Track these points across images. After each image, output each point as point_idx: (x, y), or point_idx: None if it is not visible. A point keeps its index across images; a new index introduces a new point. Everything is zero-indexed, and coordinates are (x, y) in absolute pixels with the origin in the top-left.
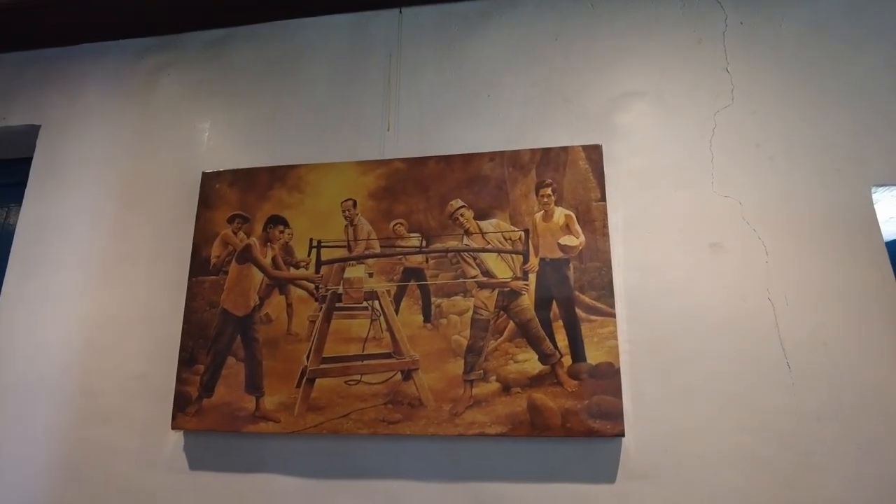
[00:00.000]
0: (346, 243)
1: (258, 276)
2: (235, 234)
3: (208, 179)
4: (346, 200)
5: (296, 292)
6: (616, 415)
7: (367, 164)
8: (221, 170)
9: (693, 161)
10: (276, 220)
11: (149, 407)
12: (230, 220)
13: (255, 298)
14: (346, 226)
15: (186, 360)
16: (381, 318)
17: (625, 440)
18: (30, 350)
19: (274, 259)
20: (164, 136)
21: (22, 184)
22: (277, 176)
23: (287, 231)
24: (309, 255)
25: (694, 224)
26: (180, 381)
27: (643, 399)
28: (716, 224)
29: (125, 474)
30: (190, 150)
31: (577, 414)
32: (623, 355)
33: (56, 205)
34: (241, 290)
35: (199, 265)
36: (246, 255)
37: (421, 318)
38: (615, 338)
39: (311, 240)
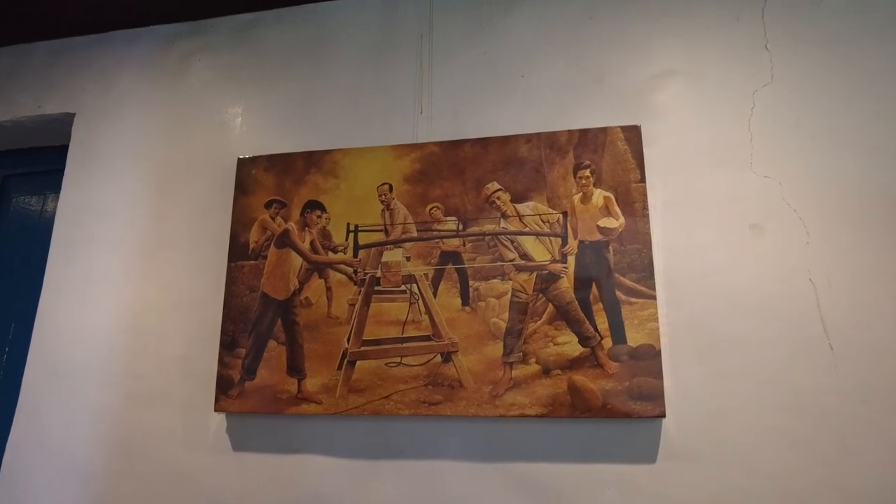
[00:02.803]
0: (382, 227)
1: (297, 260)
2: (273, 219)
3: (244, 165)
4: (381, 185)
5: (335, 276)
6: (656, 396)
7: (402, 147)
8: (257, 155)
9: (732, 141)
10: (314, 205)
11: (191, 389)
12: (267, 206)
13: (295, 282)
14: (382, 210)
15: (228, 343)
16: (420, 301)
17: (665, 421)
18: (74, 335)
19: (312, 243)
20: (197, 122)
21: (59, 171)
22: (313, 161)
23: (324, 216)
24: (347, 239)
25: (733, 205)
26: (222, 364)
27: (683, 381)
28: (756, 205)
29: (171, 455)
30: (223, 135)
31: (618, 395)
32: (663, 337)
33: (94, 191)
34: (280, 274)
35: (238, 250)
36: (284, 240)
37: (459, 301)
38: (655, 320)
39: (348, 224)
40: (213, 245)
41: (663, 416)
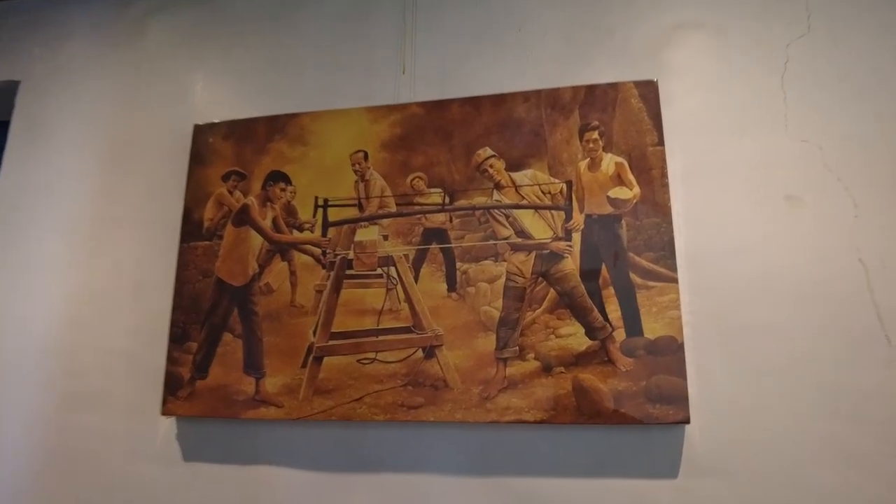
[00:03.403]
0: (356, 201)
1: (257, 240)
2: (231, 193)
3: (201, 133)
4: (355, 152)
5: (300, 258)
6: (679, 398)
7: (379, 109)
8: (215, 121)
9: (762, 100)
10: (277, 177)
11: (137, 390)
12: (225, 178)
13: (254, 266)
14: (356, 181)
15: (177, 336)
16: (398, 286)
17: (689, 428)
18: (8, 326)
19: (275, 221)
20: (155, 89)
21: None
22: (277, 126)
23: (289, 189)
24: (314, 215)
25: (766, 173)
26: (171, 360)
27: (711, 379)
28: (792, 173)
29: (112, 465)
30: (183, 102)
31: (633, 397)
32: (686, 328)
33: (37, 168)
34: (237, 256)
35: (191, 229)
36: (243, 217)
37: (444, 286)
38: (677, 307)
39: (316, 198)
40: (166, 224)
41: (687, 421)
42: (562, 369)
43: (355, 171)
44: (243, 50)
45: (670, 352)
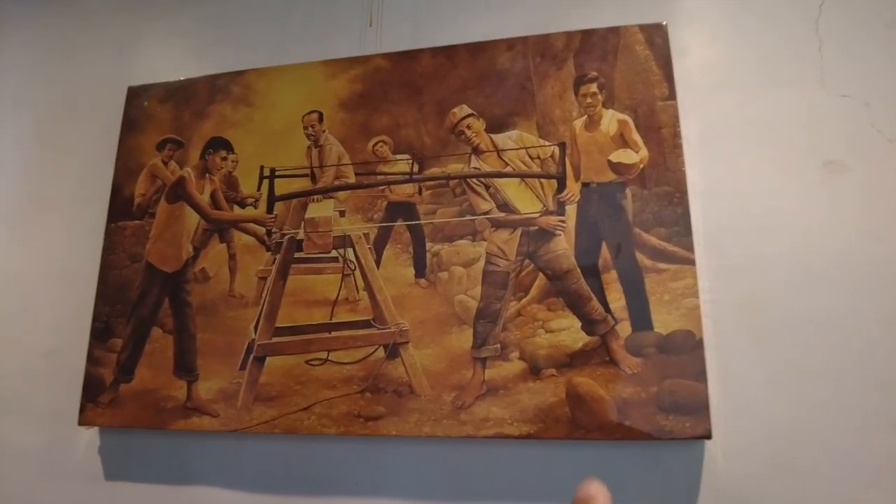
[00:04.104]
0: (308, 171)
1: (193, 218)
2: (166, 163)
3: (135, 96)
4: (308, 113)
5: (240, 239)
6: (698, 407)
7: (338, 63)
8: (151, 83)
9: (793, 49)
10: (217, 144)
11: (57, 395)
12: (160, 147)
13: (189, 249)
14: (308, 147)
15: (100, 331)
16: (356, 272)
17: (710, 445)
18: None
19: (213, 195)
20: (90, 51)
21: None
22: (219, 86)
23: (231, 157)
24: (259, 188)
25: (799, 135)
26: (92, 360)
27: (737, 384)
28: (831, 134)
29: (24, 482)
30: (121, 65)
31: (641, 406)
32: (706, 320)
33: None
34: (170, 237)
35: (120, 207)
36: (178, 192)
37: (412, 271)
38: (695, 294)
39: (261, 168)
40: (98, 203)
41: (708, 436)
42: (553, 372)
43: (308, 136)
44: (189, 4)
45: (687, 349)
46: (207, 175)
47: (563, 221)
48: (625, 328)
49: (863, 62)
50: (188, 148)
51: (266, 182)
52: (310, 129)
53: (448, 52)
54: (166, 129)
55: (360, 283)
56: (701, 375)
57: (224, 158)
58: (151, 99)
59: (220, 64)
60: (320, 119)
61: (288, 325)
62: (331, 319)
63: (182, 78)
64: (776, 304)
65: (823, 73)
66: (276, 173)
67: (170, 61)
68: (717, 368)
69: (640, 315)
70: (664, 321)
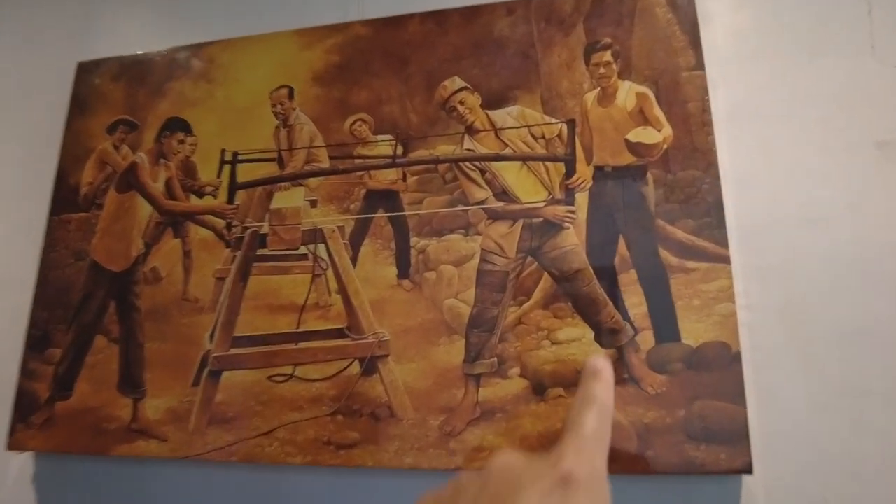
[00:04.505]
0: (275, 155)
1: (145, 210)
2: (117, 148)
3: (85, 72)
4: (277, 89)
5: (197, 233)
6: (735, 435)
7: (313, 32)
8: (103, 57)
9: (838, 12)
10: (175, 125)
11: None
12: (111, 130)
13: (140, 245)
14: (276, 128)
15: (37, 340)
16: (329, 272)
17: (750, 480)
18: None
19: (169, 183)
20: (41, 25)
21: None
22: (179, 61)
23: (189, 140)
24: (219, 175)
25: (848, 111)
26: (26, 373)
27: (782, 407)
28: (885, 110)
29: None
30: (76, 40)
31: (667, 433)
32: (744, 330)
33: None
34: (119, 231)
35: (65, 197)
36: (129, 180)
37: (394, 271)
38: (730, 299)
39: (222, 152)
40: (40, 194)
41: (748, 470)
42: (560, 391)
43: (276, 115)
44: None
45: (722, 365)
46: (163, 160)
47: (572, 212)
48: (647, 339)
49: None
50: (142, 130)
51: (227, 168)
52: (278, 106)
53: (439, 18)
54: (119, 110)
55: (333, 284)
56: (738, 397)
57: (181, 141)
58: (103, 76)
59: (184, 36)
60: (290, 95)
61: (248, 333)
62: (298, 328)
63: (138, 52)
64: (826, 311)
65: (874, 38)
66: (239, 157)
67: (127, 34)
68: (757, 388)
69: (665, 324)
70: (694, 331)
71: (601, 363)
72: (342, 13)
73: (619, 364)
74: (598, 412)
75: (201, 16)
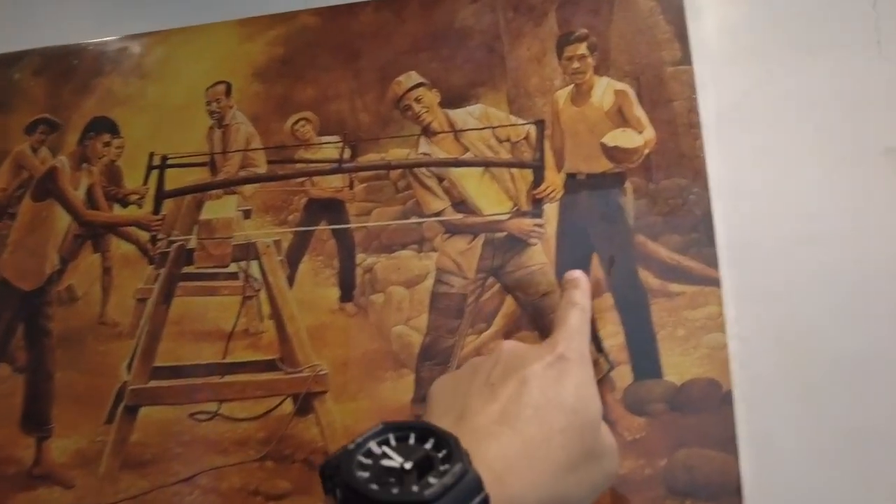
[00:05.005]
0: (207, 159)
1: (63, 221)
2: (36, 151)
3: (4, 65)
4: (213, 85)
5: (118, 248)
6: (725, 488)
7: (256, 21)
8: (25, 49)
9: (839, 9)
10: (101, 126)
11: None
12: (30, 130)
13: (55, 260)
14: (210, 128)
15: None
16: (262, 293)
17: None
18: None
19: (91, 191)
20: None
21: None
22: (109, 55)
23: (115, 142)
24: (146, 181)
25: (852, 114)
26: None
27: (778, 455)
28: (893, 114)
29: None
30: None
31: (646, 487)
32: (736, 364)
33: None
34: (33, 245)
35: None
36: (48, 186)
37: (335, 292)
38: (720, 328)
39: (151, 155)
40: None
41: None
42: None
43: (211, 114)
44: None
45: (710, 406)
46: (85, 165)
47: (539, 226)
48: (623, 375)
49: None
50: (65, 131)
51: (155, 173)
52: (214, 104)
53: (395, 6)
54: (40, 108)
55: (266, 308)
56: (729, 443)
57: (107, 144)
58: (24, 70)
59: (117, 26)
60: (228, 92)
61: (169, 364)
62: (224, 358)
63: (65, 44)
64: (831, 342)
65: (880, 34)
66: (168, 162)
67: (52, 24)
68: (751, 433)
69: (645, 357)
70: (678, 365)
71: (578, 273)
72: (291, 1)
73: None
74: (580, 312)
75: (138, 3)
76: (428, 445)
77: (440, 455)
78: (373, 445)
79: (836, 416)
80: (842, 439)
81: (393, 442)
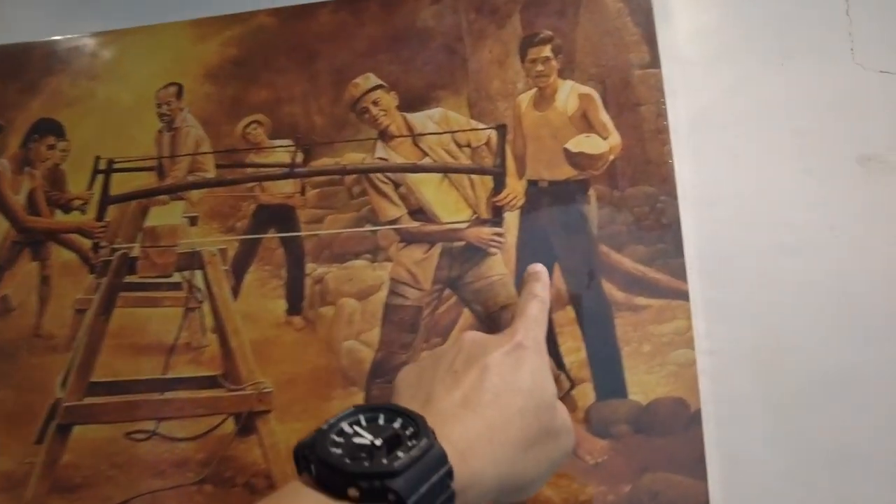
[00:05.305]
0: (155, 163)
1: (1, 226)
2: None
3: None
4: (165, 87)
5: (59, 256)
6: None
7: (211, 22)
8: None
9: (812, 14)
10: (46, 128)
11: None
12: None
13: None
14: (159, 131)
15: None
16: (205, 304)
17: None
18: None
19: (32, 195)
20: None
21: None
22: (58, 54)
23: (60, 145)
24: (91, 186)
25: (825, 123)
26: None
27: (750, 479)
28: (868, 121)
29: None
30: None
31: None
32: (705, 382)
33: None
34: None
35: None
36: None
37: (283, 304)
38: (689, 344)
39: (97, 159)
40: None
41: None
42: None
43: (161, 116)
44: None
45: (678, 427)
46: (28, 169)
47: (499, 235)
48: (585, 394)
49: None
50: (8, 133)
51: (101, 178)
52: (164, 107)
53: (354, 7)
54: None
55: (210, 321)
56: (698, 467)
57: (51, 147)
58: None
59: (72, 26)
60: (179, 94)
61: (107, 379)
62: (164, 374)
63: (13, 42)
64: (807, 358)
65: (854, 41)
66: (115, 166)
67: (6, 22)
68: (721, 456)
69: (608, 374)
70: (643, 384)
71: (539, 266)
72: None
73: None
74: (539, 304)
75: (91, 2)
76: (396, 424)
77: (407, 433)
78: (344, 425)
79: (813, 438)
80: (819, 463)
81: (363, 422)
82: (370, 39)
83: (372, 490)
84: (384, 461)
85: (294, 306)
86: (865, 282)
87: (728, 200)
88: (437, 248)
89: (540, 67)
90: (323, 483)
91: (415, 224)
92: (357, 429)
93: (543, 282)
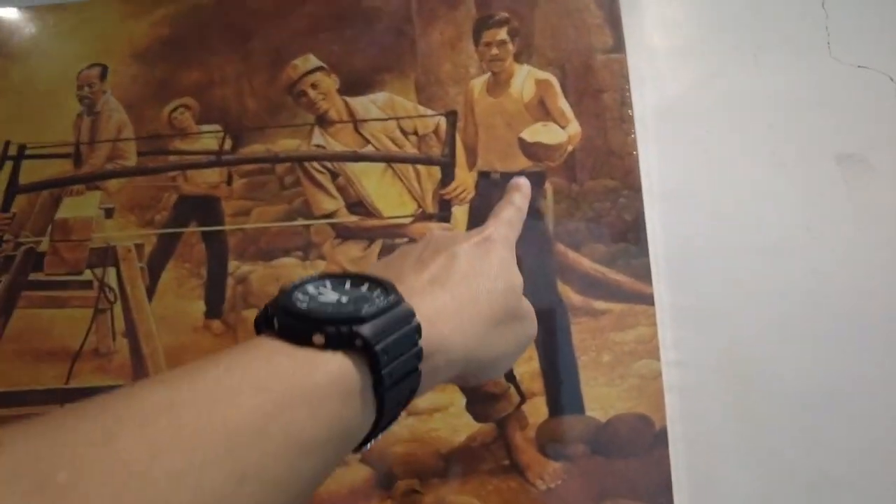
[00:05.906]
0: (72, 150)
1: None
2: None
3: None
4: (88, 68)
5: None
6: None
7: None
8: None
9: (787, 6)
10: None
11: None
12: None
13: None
14: (79, 116)
15: None
16: (117, 305)
17: None
18: None
19: None
20: None
21: None
22: None
23: None
24: None
25: (801, 120)
26: None
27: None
28: (845, 119)
29: None
30: None
31: None
32: (672, 397)
33: None
34: None
35: None
36: None
37: (201, 306)
38: (653, 354)
39: (6, 144)
40: None
41: None
42: (415, 484)
43: (81, 99)
44: None
45: (641, 448)
46: None
47: (450, 230)
48: (537, 409)
49: (882, 20)
50: None
51: (9, 165)
52: (86, 89)
53: None
54: None
55: (121, 324)
56: (663, 492)
57: None
58: None
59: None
60: (103, 75)
61: (2, 389)
62: (67, 383)
63: None
64: (783, 370)
65: (830, 35)
66: (27, 152)
67: None
68: (690, 479)
69: (563, 387)
70: (602, 398)
71: (523, 179)
72: None
73: (498, 445)
74: (514, 210)
75: None
76: (363, 288)
77: (375, 294)
78: (310, 287)
79: (788, 459)
80: (798, 487)
81: (329, 285)
82: (311, 18)
83: (339, 335)
84: (351, 308)
85: (213, 309)
86: (845, 286)
87: (697, 197)
88: (378, 245)
89: (495, 51)
90: (286, 334)
91: (353, 218)
92: (322, 290)
93: (524, 193)
